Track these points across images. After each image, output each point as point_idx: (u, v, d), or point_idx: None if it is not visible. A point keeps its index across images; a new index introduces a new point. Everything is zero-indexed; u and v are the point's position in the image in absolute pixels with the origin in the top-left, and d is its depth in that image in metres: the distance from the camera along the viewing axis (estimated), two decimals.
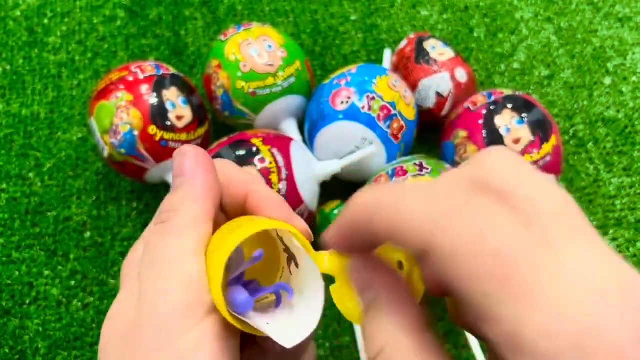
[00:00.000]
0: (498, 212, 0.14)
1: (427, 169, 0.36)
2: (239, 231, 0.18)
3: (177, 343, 0.16)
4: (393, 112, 0.38)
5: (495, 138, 0.37)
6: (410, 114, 0.40)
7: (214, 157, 0.36)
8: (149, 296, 0.17)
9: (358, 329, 0.38)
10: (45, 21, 0.52)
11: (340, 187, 0.43)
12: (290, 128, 0.42)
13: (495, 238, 0.13)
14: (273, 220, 0.19)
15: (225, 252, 0.17)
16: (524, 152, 0.37)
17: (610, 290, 0.12)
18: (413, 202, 0.15)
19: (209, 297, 0.17)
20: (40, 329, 0.39)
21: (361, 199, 0.17)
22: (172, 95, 0.39)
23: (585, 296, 0.12)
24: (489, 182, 0.14)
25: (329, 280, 0.19)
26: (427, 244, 0.14)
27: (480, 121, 0.38)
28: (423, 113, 0.43)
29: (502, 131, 0.37)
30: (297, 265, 0.19)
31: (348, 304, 0.19)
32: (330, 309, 0.40)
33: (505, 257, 0.13)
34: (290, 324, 0.18)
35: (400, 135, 0.39)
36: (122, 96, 0.38)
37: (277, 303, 0.19)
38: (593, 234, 0.14)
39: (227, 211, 0.20)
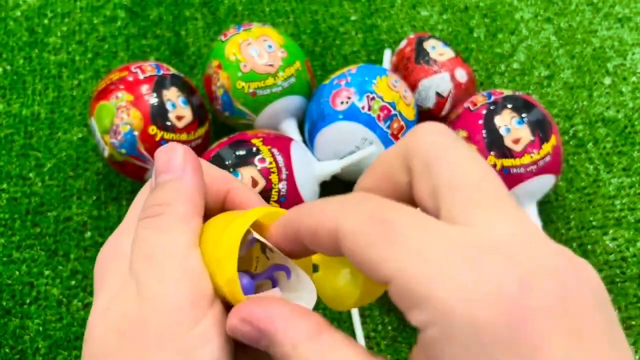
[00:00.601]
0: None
1: None
2: (244, 216, 0.18)
3: (185, 337, 0.16)
4: (393, 112, 0.38)
5: (495, 138, 0.37)
6: (410, 114, 0.40)
7: (214, 156, 0.36)
8: (151, 292, 0.17)
9: (358, 328, 0.38)
10: (46, 21, 0.52)
11: (340, 187, 0.43)
12: (290, 128, 0.42)
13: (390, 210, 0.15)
14: (267, 207, 0.20)
15: (237, 234, 0.17)
16: (523, 152, 0.37)
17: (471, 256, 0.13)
18: (324, 204, 0.17)
19: (210, 289, 0.17)
20: (41, 328, 0.39)
21: (285, 217, 0.18)
22: (172, 95, 0.39)
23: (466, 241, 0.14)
24: (415, 152, 0.16)
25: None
26: (335, 229, 0.15)
27: (480, 121, 0.38)
28: (423, 113, 0.43)
29: (502, 131, 0.37)
30: (271, 250, 0.19)
31: (334, 288, 0.19)
32: (329, 309, 0.40)
33: (391, 223, 0.14)
34: (294, 299, 0.18)
35: (400, 136, 0.39)
36: (122, 96, 0.38)
37: (274, 285, 0.19)
38: (504, 203, 0.15)
39: (207, 208, 0.21)
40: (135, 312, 0.17)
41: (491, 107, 0.38)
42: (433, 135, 0.17)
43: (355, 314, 0.39)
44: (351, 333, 0.38)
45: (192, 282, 0.17)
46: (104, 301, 0.18)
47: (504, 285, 0.12)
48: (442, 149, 0.16)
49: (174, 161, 0.19)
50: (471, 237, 0.14)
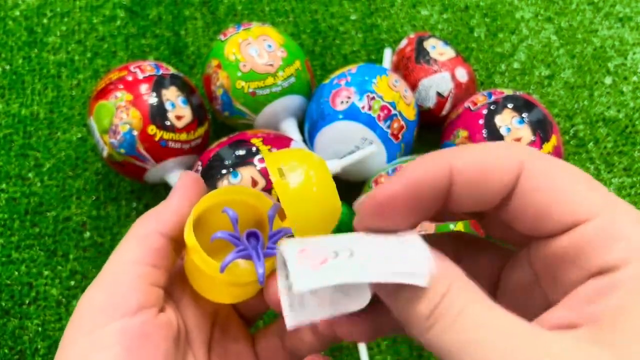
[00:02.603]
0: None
1: None
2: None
3: (83, 339, 0.17)
4: (393, 112, 0.38)
5: (495, 138, 0.37)
6: (411, 113, 0.40)
7: (213, 156, 0.36)
8: (80, 300, 0.19)
9: None
10: (45, 21, 0.52)
11: (340, 187, 0.43)
12: (290, 128, 0.42)
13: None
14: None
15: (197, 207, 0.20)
16: None
17: None
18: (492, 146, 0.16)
19: (128, 302, 0.18)
20: (40, 329, 0.39)
21: (429, 157, 0.16)
22: (171, 95, 0.39)
23: None
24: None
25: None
26: (518, 165, 0.14)
27: (481, 121, 0.38)
28: (423, 113, 0.43)
29: (503, 131, 0.37)
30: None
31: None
32: None
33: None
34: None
35: (400, 135, 0.39)
36: (121, 96, 0.38)
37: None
38: None
39: None
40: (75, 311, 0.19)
41: (492, 107, 0.38)
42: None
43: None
44: None
45: (111, 293, 0.18)
46: None
47: None
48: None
49: (176, 186, 0.22)
50: None
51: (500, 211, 0.15)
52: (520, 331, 0.13)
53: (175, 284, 0.22)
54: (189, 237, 0.19)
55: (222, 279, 0.20)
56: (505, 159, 0.14)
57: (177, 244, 0.21)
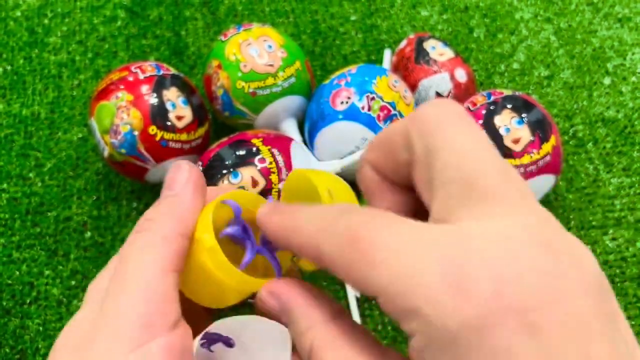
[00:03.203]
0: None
1: None
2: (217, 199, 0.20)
3: (128, 356, 0.16)
4: (393, 112, 0.38)
5: (494, 138, 0.37)
6: None
7: (214, 156, 0.36)
8: (109, 309, 0.17)
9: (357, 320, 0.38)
10: (46, 21, 0.52)
11: None
12: (290, 128, 0.42)
13: None
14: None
15: (207, 211, 0.19)
16: (523, 152, 0.37)
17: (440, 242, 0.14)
18: (305, 220, 0.17)
19: (173, 316, 0.17)
20: (41, 328, 0.39)
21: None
22: (172, 95, 0.39)
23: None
24: (417, 132, 0.17)
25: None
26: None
27: (480, 121, 0.38)
28: None
29: (502, 131, 0.37)
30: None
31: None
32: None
33: (368, 243, 0.15)
34: None
35: None
36: (122, 96, 0.38)
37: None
38: (502, 196, 0.15)
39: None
40: (89, 328, 0.17)
41: (491, 107, 0.38)
42: (439, 114, 0.16)
43: (355, 314, 0.39)
44: None
45: (151, 305, 0.17)
46: (72, 320, 0.18)
47: (474, 292, 0.13)
48: (444, 131, 0.16)
49: (178, 179, 0.20)
50: (450, 239, 0.14)
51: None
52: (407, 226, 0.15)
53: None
54: (208, 238, 0.18)
55: (231, 284, 0.19)
56: (398, 126, 0.17)
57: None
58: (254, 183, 0.35)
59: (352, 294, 0.39)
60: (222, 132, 0.41)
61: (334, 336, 0.16)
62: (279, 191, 0.35)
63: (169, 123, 0.38)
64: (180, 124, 0.39)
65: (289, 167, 0.36)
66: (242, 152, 0.36)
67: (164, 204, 0.19)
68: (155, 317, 0.17)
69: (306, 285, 0.18)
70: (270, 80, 0.40)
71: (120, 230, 0.43)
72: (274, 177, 0.35)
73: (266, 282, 0.19)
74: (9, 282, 0.41)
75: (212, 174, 0.36)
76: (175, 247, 0.18)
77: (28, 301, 0.40)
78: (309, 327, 0.17)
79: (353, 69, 0.40)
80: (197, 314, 0.21)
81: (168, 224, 0.18)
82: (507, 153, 0.37)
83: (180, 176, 0.20)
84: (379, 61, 0.50)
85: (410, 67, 0.43)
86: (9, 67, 0.50)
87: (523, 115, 0.38)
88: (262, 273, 0.21)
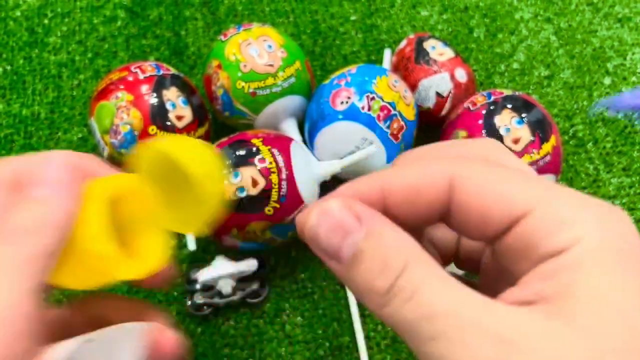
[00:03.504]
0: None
1: None
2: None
3: None
4: (393, 112, 0.38)
5: (494, 138, 0.37)
6: (410, 114, 0.40)
7: None
8: None
9: (358, 328, 0.38)
10: (46, 21, 0.52)
11: None
12: (290, 128, 0.42)
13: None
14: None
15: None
16: (523, 152, 0.37)
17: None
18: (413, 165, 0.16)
19: (22, 346, 0.15)
20: None
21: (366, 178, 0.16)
22: (172, 95, 0.39)
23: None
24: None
25: None
26: (455, 178, 0.15)
27: (480, 121, 0.38)
28: (423, 113, 0.43)
29: (502, 131, 0.37)
30: None
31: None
32: (329, 309, 0.40)
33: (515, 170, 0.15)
34: None
35: (400, 136, 0.39)
36: (122, 96, 0.38)
37: None
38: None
39: None
40: None
41: (491, 107, 0.38)
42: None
43: (355, 314, 0.39)
44: (351, 333, 0.39)
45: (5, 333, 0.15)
46: None
47: None
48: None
49: (50, 172, 0.17)
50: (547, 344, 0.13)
51: (448, 223, 0.16)
52: (475, 304, 0.13)
53: None
54: (105, 250, 0.17)
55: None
56: (434, 175, 0.15)
57: None
58: (254, 183, 0.35)
59: (352, 294, 0.39)
60: (222, 132, 0.41)
61: (432, 261, 0.14)
62: (278, 191, 0.35)
63: (169, 123, 0.38)
64: (180, 124, 0.39)
65: (289, 167, 0.36)
66: (242, 152, 0.36)
67: (35, 210, 0.16)
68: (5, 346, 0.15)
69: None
70: (270, 80, 0.40)
71: None
72: (274, 177, 0.35)
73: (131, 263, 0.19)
74: None
75: None
76: (42, 266, 0.16)
77: None
78: (404, 247, 0.14)
79: (353, 69, 0.40)
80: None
81: (42, 239, 0.16)
82: None
83: (52, 168, 0.17)
84: (379, 61, 0.50)
85: (410, 67, 0.43)
86: (8, 67, 0.50)
87: (523, 115, 0.38)
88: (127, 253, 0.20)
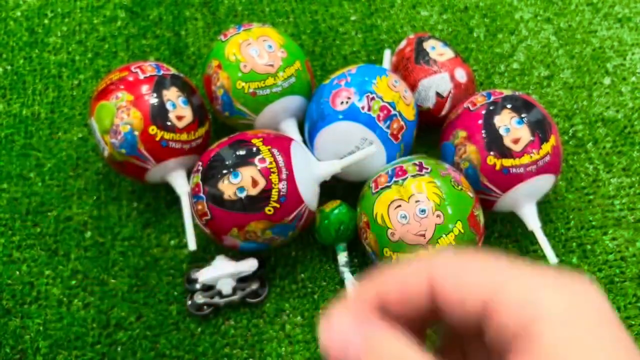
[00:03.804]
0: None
1: (427, 168, 0.36)
2: None
3: None
4: (393, 112, 0.39)
5: (494, 138, 0.37)
6: (410, 114, 0.40)
7: (214, 156, 0.36)
8: None
9: None
10: (46, 21, 0.53)
11: (340, 187, 0.43)
12: (290, 128, 0.42)
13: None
14: None
15: None
16: (523, 152, 0.37)
17: None
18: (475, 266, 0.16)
19: None
20: (41, 328, 0.39)
21: (420, 260, 0.17)
22: (172, 95, 0.39)
23: None
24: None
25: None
26: (489, 301, 0.15)
27: (480, 121, 0.38)
28: (423, 113, 0.43)
29: (502, 131, 0.37)
30: None
31: None
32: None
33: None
34: None
35: (400, 136, 0.39)
36: (122, 96, 0.38)
37: None
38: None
39: None
40: None
41: (491, 107, 0.38)
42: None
43: None
44: None
45: None
46: None
47: None
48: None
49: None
50: None
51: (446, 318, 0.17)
52: None
53: None
54: None
55: None
56: (414, 277, 0.16)
57: None
58: (254, 183, 0.35)
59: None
60: (222, 132, 0.41)
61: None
62: (278, 191, 0.35)
63: (169, 123, 0.38)
64: (180, 124, 0.39)
65: (289, 167, 0.36)
66: (242, 152, 0.36)
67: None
68: None
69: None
70: (270, 81, 0.40)
71: (121, 230, 0.43)
72: (274, 177, 0.35)
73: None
74: (9, 282, 0.41)
75: (212, 174, 0.36)
76: None
77: (28, 301, 0.40)
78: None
79: (353, 69, 0.40)
80: None
81: None
82: (506, 153, 0.37)
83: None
84: (379, 61, 0.50)
85: (410, 67, 0.43)
86: (9, 67, 0.50)
87: (523, 115, 0.38)
88: None
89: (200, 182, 0.36)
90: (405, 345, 0.15)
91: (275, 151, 0.36)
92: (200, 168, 0.36)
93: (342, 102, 0.39)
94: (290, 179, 0.36)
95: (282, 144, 0.37)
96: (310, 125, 0.41)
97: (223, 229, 0.36)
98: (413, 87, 0.43)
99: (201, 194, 0.36)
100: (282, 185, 0.35)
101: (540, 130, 0.38)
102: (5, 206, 0.44)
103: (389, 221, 0.35)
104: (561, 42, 0.52)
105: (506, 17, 0.53)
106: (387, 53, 0.49)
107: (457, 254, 0.16)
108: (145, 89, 0.38)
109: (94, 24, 0.52)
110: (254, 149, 0.36)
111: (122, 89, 0.38)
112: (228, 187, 0.35)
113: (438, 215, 0.34)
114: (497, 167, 0.37)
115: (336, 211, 0.39)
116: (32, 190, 0.44)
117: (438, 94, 0.42)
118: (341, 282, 0.40)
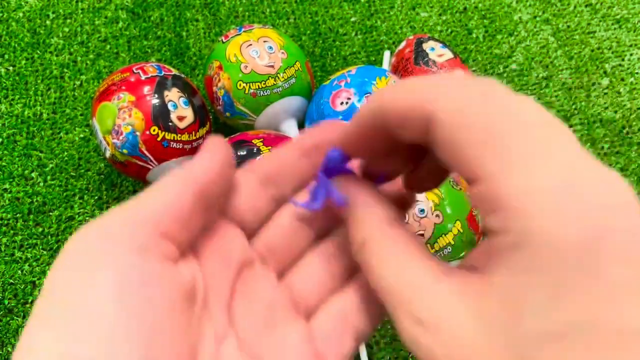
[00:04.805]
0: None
1: None
2: None
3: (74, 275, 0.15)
4: None
5: None
6: None
7: None
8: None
9: None
10: (48, 22, 0.53)
11: None
12: (290, 129, 0.43)
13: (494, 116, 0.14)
14: None
15: None
16: None
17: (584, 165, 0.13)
18: (413, 82, 0.16)
19: (127, 245, 0.16)
20: None
21: (372, 97, 0.18)
22: (173, 96, 0.39)
23: (563, 164, 0.13)
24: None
25: None
26: (431, 112, 0.15)
27: None
28: None
29: None
30: None
31: None
32: None
33: (498, 130, 0.14)
34: None
35: None
36: (124, 97, 0.38)
37: None
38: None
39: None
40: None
41: None
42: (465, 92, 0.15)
43: None
44: None
45: (115, 232, 0.16)
46: None
47: (589, 211, 0.12)
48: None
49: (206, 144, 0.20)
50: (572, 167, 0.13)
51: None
52: (413, 283, 0.15)
53: (200, 239, 0.19)
54: None
55: None
56: (417, 106, 0.15)
57: (206, 202, 0.18)
58: None
59: None
60: (223, 133, 0.42)
61: (388, 238, 0.17)
62: None
63: (170, 123, 0.38)
64: (181, 125, 0.39)
65: None
66: (243, 153, 0.36)
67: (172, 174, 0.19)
68: (110, 244, 0.15)
69: (370, 185, 0.19)
70: (270, 81, 0.40)
71: None
72: None
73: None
74: (12, 281, 0.41)
75: None
76: (175, 197, 0.17)
77: (30, 300, 0.40)
78: (365, 225, 0.17)
79: (353, 70, 0.41)
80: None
81: (176, 179, 0.18)
82: None
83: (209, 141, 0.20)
84: (379, 62, 0.50)
85: (410, 68, 0.44)
86: (11, 68, 0.50)
87: None
88: None
89: None
90: (376, 212, 0.18)
91: None
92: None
93: (342, 103, 0.39)
94: None
95: (282, 144, 0.37)
96: (310, 126, 0.41)
97: None
98: None
99: None
100: None
101: None
102: (8, 206, 0.44)
103: None
104: (559, 43, 0.52)
105: (505, 18, 0.53)
106: (386, 54, 0.50)
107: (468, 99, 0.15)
108: (146, 89, 0.39)
109: (96, 25, 0.53)
110: (255, 149, 0.36)
111: (123, 89, 0.39)
112: None
113: (437, 215, 0.34)
114: None
115: None
116: (34, 190, 0.45)
117: None
118: None
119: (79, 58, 0.51)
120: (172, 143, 0.39)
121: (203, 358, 0.17)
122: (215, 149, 0.20)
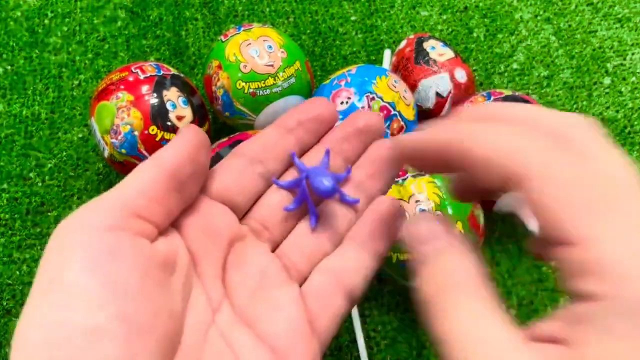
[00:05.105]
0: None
1: None
2: None
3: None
4: (393, 112, 0.39)
5: None
6: (410, 114, 0.40)
7: (214, 157, 0.36)
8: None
9: (358, 328, 0.38)
10: (46, 21, 0.53)
11: None
12: None
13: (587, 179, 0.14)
14: None
15: None
16: None
17: None
18: (498, 133, 0.15)
19: (99, 222, 0.18)
20: None
21: (453, 127, 0.17)
22: (172, 95, 0.39)
23: None
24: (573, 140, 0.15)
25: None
26: (519, 173, 0.14)
27: None
28: (423, 113, 0.43)
29: None
30: None
31: None
32: None
33: (595, 195, 0.14)
34: None
35: (400, 136, 0.39)
36: (122, 96, 0.38)
37: None
38: None
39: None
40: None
41: None
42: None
43: (355, 313, 0.39)
44: (351, 333, 0.39)
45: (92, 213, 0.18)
46: None
47: None
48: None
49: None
50: None
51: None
52: (494, 345, 0.14)
53: (187, 219, 0.21)
54: None
55: None
56: (512, 162, 0.15)
57: (179, 183, 0.20)
58: None
59: None
60: (222, 132, 0.42)
61: (478, 296, 0.15)
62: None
63: (169, 123, 0.38)
64: (180, 124, 0.39)
65: None
66: None
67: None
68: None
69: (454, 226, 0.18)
70: (270, 81, 0.40)
71: None
72: None
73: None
74: (10, 282, 0.41)
75: None
76: (148, 179, 0.20)
77: None
78: (454, 275, 0.16)
79: (353, 69, 0.41)
80: None
81: (146, 164, 0.21)
82: None
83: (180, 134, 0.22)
84: (379, 61, 0.50)
85: (410, 68, 0.43)
86: (9, 67, 0.50)
87: None
88: None
89: None
90: (463, 267, 0.16)
91: None
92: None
93: (342, 102, 0.39)
94: None
95: None
96: None
97: None
98: (413, 87, 0.43)
99: None
100: None
101: None
102: (5, 206, 0.44)
103: None
104: (561, 42, 0.52)
105: (506, 18, 0.53)
106: (387, 53, 0.49)
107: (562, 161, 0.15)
108: (145, 89, 0.38)
109: (94, 24, 0.52)
110: None
111: (122, 89, 0.38)
112: None
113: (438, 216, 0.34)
114: None
115: None
116: (33, 190, 0.44)
117: (438, 94, 0.43)
118: None
119: (77, 57, 0.51)
120: None
121: (194, 321, 0.18)
122: (186, 135, 0.21)
